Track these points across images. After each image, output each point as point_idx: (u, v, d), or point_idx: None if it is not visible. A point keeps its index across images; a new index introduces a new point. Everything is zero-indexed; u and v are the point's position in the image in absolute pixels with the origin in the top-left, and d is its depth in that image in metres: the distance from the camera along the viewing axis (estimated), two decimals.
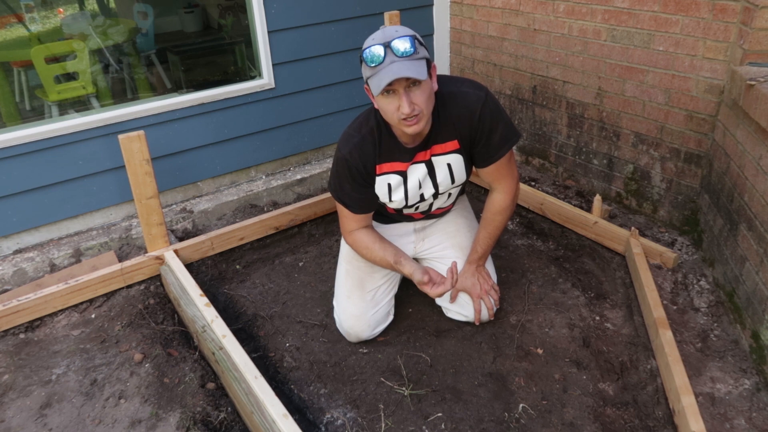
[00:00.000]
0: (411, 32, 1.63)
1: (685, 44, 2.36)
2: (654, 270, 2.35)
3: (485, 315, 2.10)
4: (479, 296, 2.06)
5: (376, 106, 1.73)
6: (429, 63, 1.66)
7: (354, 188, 1.87)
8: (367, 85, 1.69)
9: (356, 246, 1.99)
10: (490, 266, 2.17)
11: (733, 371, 1.90)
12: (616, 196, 2.90)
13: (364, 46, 1.64)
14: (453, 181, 1.95)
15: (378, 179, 1.89)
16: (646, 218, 2.76)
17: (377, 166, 1.86)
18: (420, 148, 1.85)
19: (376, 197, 1.95)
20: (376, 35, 1.64)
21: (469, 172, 1.97)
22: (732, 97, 2.15)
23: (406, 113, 1.62)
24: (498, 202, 2.00)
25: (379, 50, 1.59)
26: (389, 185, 1.90)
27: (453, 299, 2.09)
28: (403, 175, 1.88)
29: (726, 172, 2.22)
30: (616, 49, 2.64)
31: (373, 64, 1.60)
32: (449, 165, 1.90)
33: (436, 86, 1.72)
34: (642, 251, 2.39)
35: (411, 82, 1.61)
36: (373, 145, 1.82)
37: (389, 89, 1.61)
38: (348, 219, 1.96)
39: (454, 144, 1.86)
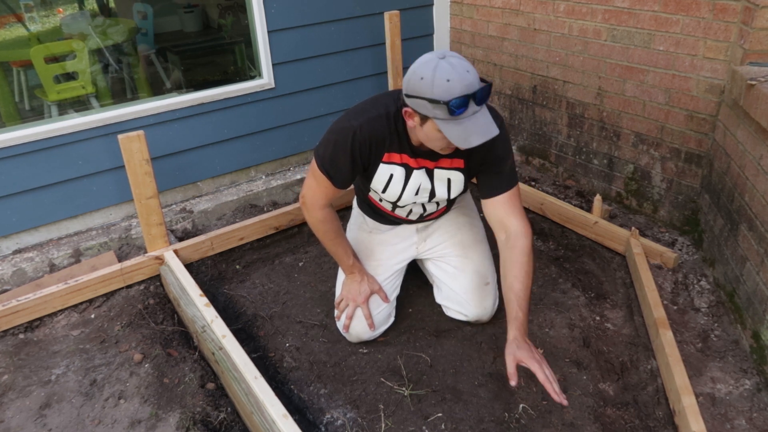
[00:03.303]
0: (475, 71, 1.56)
1: (686, 44, 2.36)
2: (654, 270, 2.35)
3: (486, 316, 2.10)
4: (539, 361, 1.63)
5: (411, 124, 1.67)
6: None
7: (349, 162, 1.77)
8: (433, 120, 1.57)
9: (322, 223, 1.92)
10: (490, 266, 2.16)
11: (733, 371, 1.90)
12: (616, 196, 2.90)
13: (435, 82, 1.50)
14: (449, 195, 1.94)
15: (382, 166, 1.84)
16: (647, 218, 2.76)
17: (386, 154, 1.82)
18: (428, 156, 1.83)
19: (367, 184, 1.93)
20: (450, 75, 1.51)
21: (465, 189, 1.97)
22: (732, 97, 2.15)
23: (462, 149, 1.62)
24: (523, 239, 1.76)
25: (464, 100, 1.52)
26: (391, 176, 1.86)
27: (512, 379, 1.65)
28: (409, 171, 1.86)
29: (726, 172, 2.22)
30: (616, 48, 2.64)
31: (458, 113, 1.53)
32: (449, 180, 1.90)
33: None
34: (642, 251, 2.39)
35: None
36: (387, 128, 1.77)
37: None
38: (324, 192, 1.86)
39: (459, 162, 1.86)
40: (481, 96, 1.55)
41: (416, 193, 1.91)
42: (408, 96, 1.59)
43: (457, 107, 1.51)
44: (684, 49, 2.37)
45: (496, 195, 1.81)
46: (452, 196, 1.96)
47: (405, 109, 1.65)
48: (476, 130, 1.55)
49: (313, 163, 1.85)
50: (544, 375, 1.59)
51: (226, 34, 4.41)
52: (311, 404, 1.87)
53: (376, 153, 1.80)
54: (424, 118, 1.60)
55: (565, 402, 1.55)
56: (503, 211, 1.81)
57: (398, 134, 1.78)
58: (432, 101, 1.53)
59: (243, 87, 2.95)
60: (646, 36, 2.49)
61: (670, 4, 2.37)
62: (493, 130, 1.56)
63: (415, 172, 1.87)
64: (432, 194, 1.93)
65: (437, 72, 1.52)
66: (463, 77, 1.52)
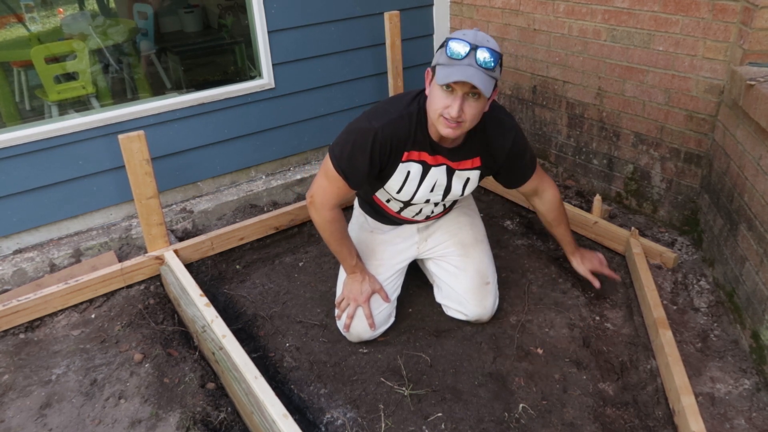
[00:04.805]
0: (499, 49, 1.63)
1: (685, 44, 2.36)
2: (654, 270, 2.35)
3: (486, 315, 2.10)
4: (601, 261, 2.22)
5: (427, 92, 1.72)
6: (496, 85, 1.67)
7: (367, 163, 1.78)
8: (432, 70, 1.67)
9: (330, 223, 1.91)
10: (490, 265, 2.16)
11: (733, 371, 1.90)
12: (616, 196, 2.90)
13: (453, 36, 1.63)
14: (463, 193, 1.97)
15: (401, 165, 1.85)
16: (646, 218, 2.76)
17: (405, 153, 1.83)
18: (447, 154, 1.85)
19: (380, 184, 1.93)
20: (468, 33, 1.63)
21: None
22: (732, 97, 2.15)
23: (452, 116, 1.62)
24: (553, 195, 2.10)
25: (464, 48, 1.58)
26: (408, 173, 1.87)
27: (595, 282, 2.21)
28: (426, 167, 1.87)
29: (726, 172, 2.22)
30: (616, 49, 2.64)
31: (451, 57, 1.59)
32: (468, 179, 1.94)
33: (487, 108, 1.73)
34: (642, 251, 2.39)
35: (473, 92, 1.61)
36: (408, 129, 1.78)
37: (452, 86, 1.61)
38: (336, 192, 1.86)
39: (477, 161, 1.90)
40: (482, 56, 1.57)
41: (431, 191, 1.92)
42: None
43: (453, 49, 1.59)
44: (683, 50, 2.37)
45: (526, 181, 2.02)
46: (465, 194, 1.99)
47: (427, 69, 1.71)
48: (462, 71, 1.57)
49: (327, 162, 1.84)
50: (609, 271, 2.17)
51: (227, 34, 4.41)
52: (311, 404, 1.87)
53: (396, 154, 1.82)
54: (434, 71, 1.66)
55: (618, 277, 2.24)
56: (534, 185, 2.06)
57: (419, 133, 1.80)
58: (441, 46, 1.64)
59: (243, 87, 2.96)
60: (646, 36, 2.49)
61: (670, 5, 2.37)
62: (476, 80, 1.56)
63: (433, 169, 1.88)
64: (446, 192, 1.94)
65: (460, 31, 1.65)
66: (476, 35, 1.62)
